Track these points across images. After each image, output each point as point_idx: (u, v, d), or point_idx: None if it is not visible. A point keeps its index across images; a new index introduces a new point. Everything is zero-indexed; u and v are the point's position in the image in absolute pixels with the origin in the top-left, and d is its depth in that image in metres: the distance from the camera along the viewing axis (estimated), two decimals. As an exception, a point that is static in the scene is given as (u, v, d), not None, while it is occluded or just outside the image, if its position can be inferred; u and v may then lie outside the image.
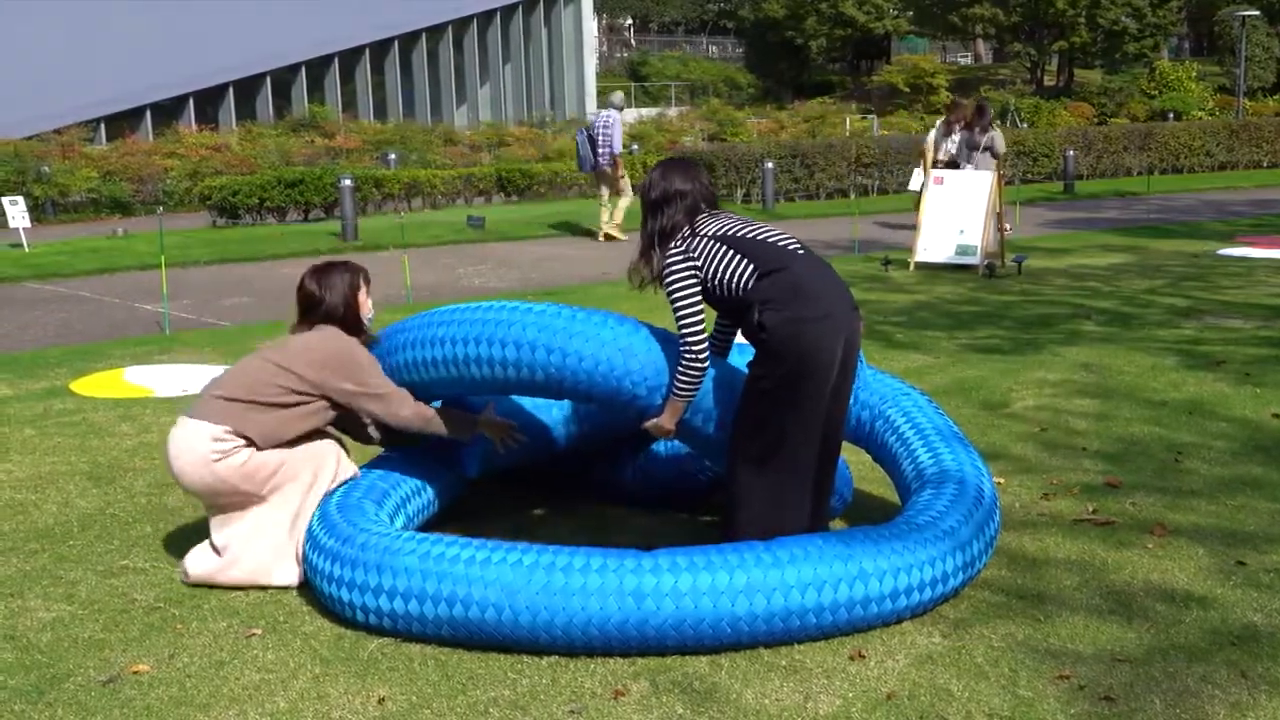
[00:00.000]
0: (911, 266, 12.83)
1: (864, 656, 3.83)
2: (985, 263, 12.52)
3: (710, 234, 4.27)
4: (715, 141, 30.42)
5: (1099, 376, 7.58)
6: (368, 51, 36.09)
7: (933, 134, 14.48)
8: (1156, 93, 38.48)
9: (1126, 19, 42.66)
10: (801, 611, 3.83)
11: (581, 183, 23.55)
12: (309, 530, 4.40)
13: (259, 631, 4.11)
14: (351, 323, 4.63)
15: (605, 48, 54.99)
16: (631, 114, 37.63)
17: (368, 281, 4.74)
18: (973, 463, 4.69)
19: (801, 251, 4.29)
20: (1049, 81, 46.19)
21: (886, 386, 5.07)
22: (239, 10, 33.52)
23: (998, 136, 14.03)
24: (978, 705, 3.51)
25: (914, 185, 15.79)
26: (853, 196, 21.17)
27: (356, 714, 3.54)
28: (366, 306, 4.71)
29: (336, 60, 35.28)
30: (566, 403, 5.00)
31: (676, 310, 4.18)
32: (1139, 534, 4.85)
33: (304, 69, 34.41)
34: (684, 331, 4.14)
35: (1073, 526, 4.96)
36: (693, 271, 4.21)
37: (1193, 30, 50.74)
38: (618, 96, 17.29)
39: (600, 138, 16.23)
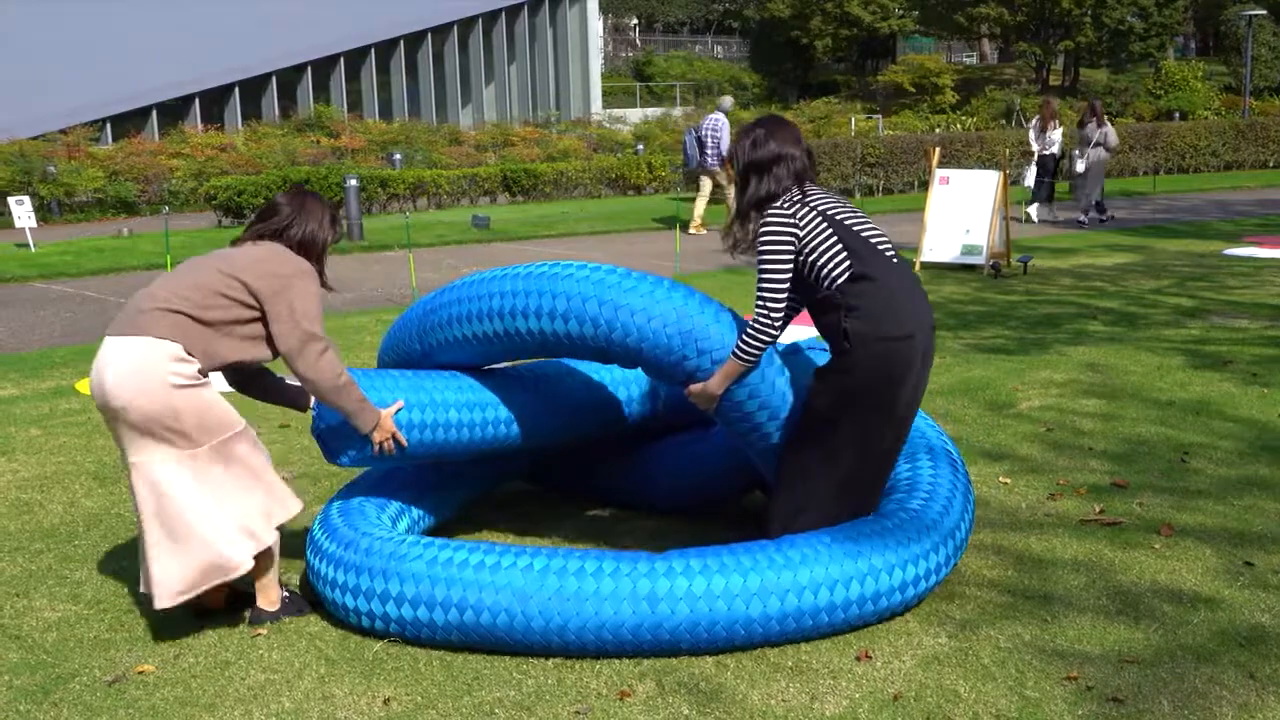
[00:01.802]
0: (917, 266, 12.81)
1: (870, 657, 3.82)
2: (991, 263, 12.50)
3: (820, 210, 4.04)
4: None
5: (1105, 376, 7.56)
6: (373, 51, 36.10)
7: (1031, 132, 16.75)
8: (1162, 92, 38.38)
9: (1132, 18, 42.57)
10: (814, 611, 3.84)
11: (586, 183, 23.56)
12: (310, 535, 4.34)
13: (264, 631, 4.10)
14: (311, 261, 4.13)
15: (610, 48, 54.98)
16: (636, 114, 37.66)
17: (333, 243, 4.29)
18: (939, 436, 4.79)
19: (896, 260, 4.11)
20: (1054, 81, 46.09)
21: None
22: (245, 10, 33.56)
23: (1110, 131, 16.06)
24: (985, 706, 3.50)
25: (1028, 181, 17.22)
26: (858, 196, 21.16)
27: (362, 714, 3.54)
28: (325, 266, 4.23)
29: (342, 60, 35.29)
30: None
31: (763, 273, 3.98)
32: (1146, 534, 4.84)
33: (310, 69, 34.43)
34: (764, 295, 3.97)
35: (1079, 527, 4.95)
36: (793, 241, 4.00)
37: (1199, 30, 50.64)
38: (726, 101, 17.81)
39: (709, 139, 16.74)
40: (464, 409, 4.41)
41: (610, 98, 43.65)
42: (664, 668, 3.77)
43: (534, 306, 4.11)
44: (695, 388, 4.06)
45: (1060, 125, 17.05)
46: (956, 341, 8.85)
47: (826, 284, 3.99)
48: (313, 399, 4.30)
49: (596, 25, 43.26)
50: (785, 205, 4.04)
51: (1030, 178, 17.12)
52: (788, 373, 4.25)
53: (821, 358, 4.48)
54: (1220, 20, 46.12)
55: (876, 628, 4.01)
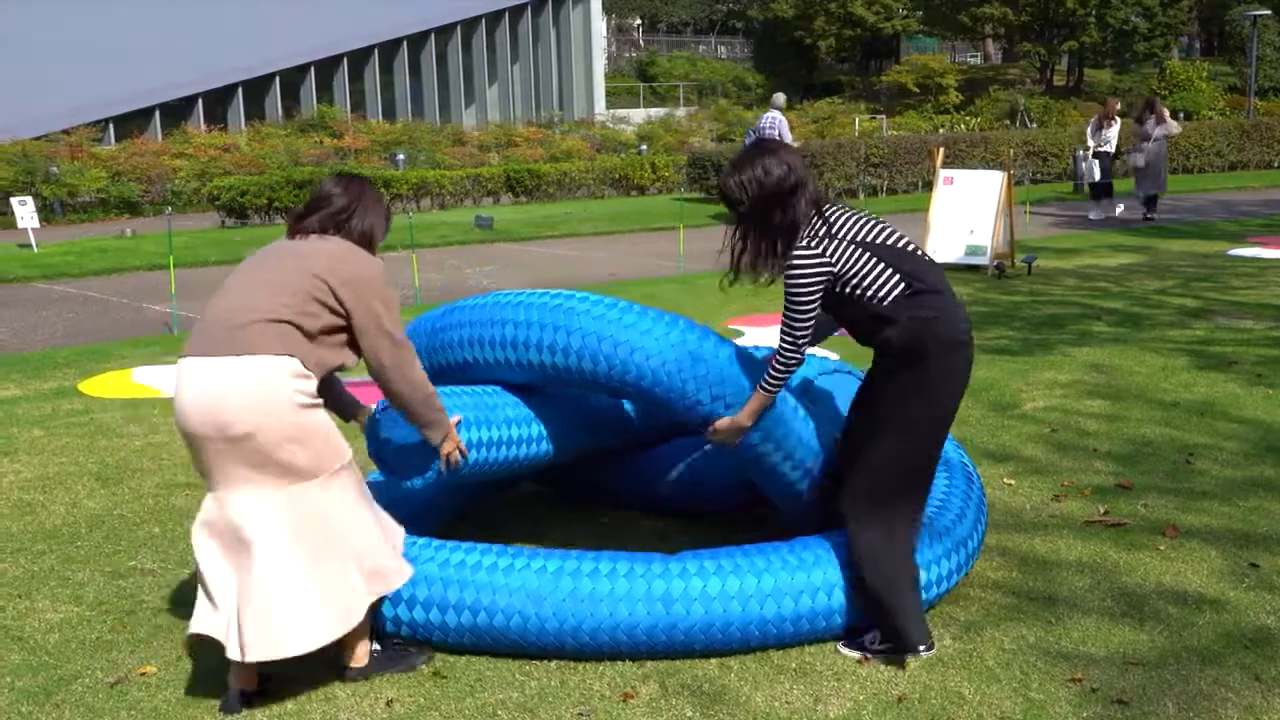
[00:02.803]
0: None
1: (870, 659, 3.81)
2: (995, 263, 12.48)
3: (850, 238, 3.85)
4: (724, 142, 30.37)
5: (1110, 377, 7.55)
6: (376, 52, 36.09)
7: (1090, 129, 17.34)
8: (1167, 92, 38.31)
9: (1137, 18, 42.51)
10: (828, 613, 3.83)
11: (589, 184, 23.54)
12: None
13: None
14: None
15: (614, 48, 54.95)
16: (640, 114, 37.64)
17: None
18: (955, 449, 4.78)
19: (936, 264, 3.98)
20: (1059, 81, 46.04)
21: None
22: (248, 11, 33.56)
23: (1172, 126, 16.86)
24: (989, 708, 3.49)
25: (1095, 176, 17.39)
26: (862, 197, 21.14)
27: (364, 716, 3.53)
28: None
29: (345, 60, 35.28)
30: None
31: (792, 309, 3.83)
32: (1151, 536, 4.82)
33: (313, 69, 34.42)
34: (791, 328, 3.84)
35: (1084, 528, 4.93)
36: (826, 278, 3.82)
37: (1203, 30, 50.55)
38: (780, 98, 18.02)
39: (767, 136, 16.82)
40: (520, 425, 4.29)
41: (614, 98, 43.62)
42: (667, 669, 3.76)
43: (546, 340, 4.03)
44: (722, 423, 3.94)
45: (1117, 123, 17.32)
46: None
47: (881, 304, 3.82)
48: (363, 412, 4.02)
49: (600, 25, 43.24)
50: (812, 243, 3.82)
51: (1090, 173, 17.46)
52: (806, 417, 4.20)
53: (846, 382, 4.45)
54: (1225, 20, 46.07)
55: (880, 629, 4.00)
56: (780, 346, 3.88)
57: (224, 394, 3.41)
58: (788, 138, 16.92)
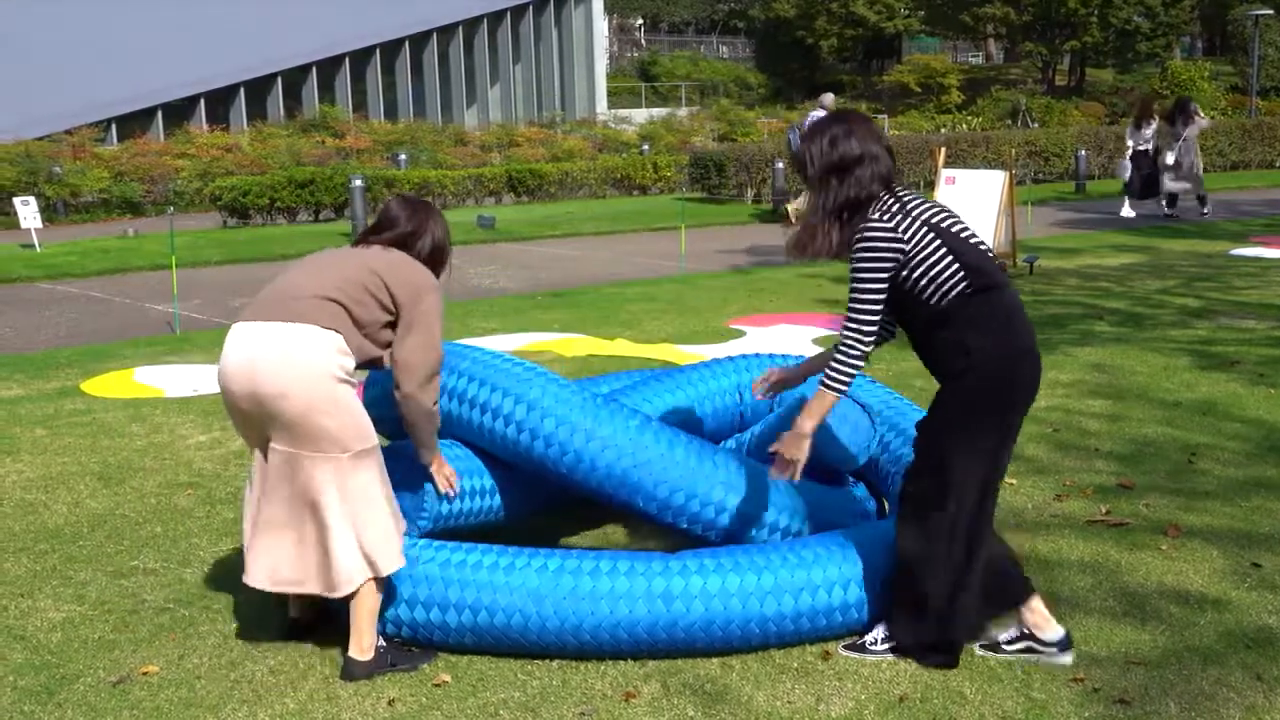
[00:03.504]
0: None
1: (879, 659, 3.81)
2: (997, 263, 12.46)
3: (923, 219, 3.61)
4: (725, 141, 30.38)
5: (1111, 377, 7.54)
6: (378, 52, 36.11)
7: (1128, 129, 17.64)
8: (1169, 92, 38.27)
9: (1139, 18, 42.48)
10: (828, 610, 3.83)
11: (591, 183, 23.54)
12: None
13: (269, 632, 4.09)
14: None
15: (616, 48, 54.97)
16: (642, 114, 37.64)
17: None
18: None
19: (999, 262, 3.76)
20: (1060, 81, 46.01)
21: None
22: (250, 11, 33.58)
23: (1203, 122, 17.44)
24: (991, 708, 3.49)
25: (1124, 175, 17.72)
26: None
27: (367, 715, 3.53)
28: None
29: (347, 60, 35.30)
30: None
31: (859, 290, 3.57)
32: (1153, 535, 4.82)
33: (315, 69, 34.44)
34: (857, 315, 3.58)
35: (1086, 528, 4.93)
36: (897, 258, 3.57)
37: (1205, 30, 50.49)
38: (828, 98, 18.14)
39: None
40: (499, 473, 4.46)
41: (615, 98, 43.63)
42: (669, 669, 3.76)
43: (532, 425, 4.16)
44: (786, 436, 3.72)
45: (1155, 122, 17.48)
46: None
47: (941, 301, 3.58)
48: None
49: (601, 25, 43.25)
50: (885, 217, 3.60)
51: (1127, 172, 17.66)
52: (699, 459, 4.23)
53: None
54: (1227, 20, 46.01)
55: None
56: (843, 336, 3.62)
57: (265, 353, 3.59)
58: None
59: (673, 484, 4.12)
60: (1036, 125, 33.32)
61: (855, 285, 3.59)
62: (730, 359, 5.27)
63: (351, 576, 3.68)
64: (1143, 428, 6.39)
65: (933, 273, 3.58)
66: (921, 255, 3.58)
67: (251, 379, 3.60)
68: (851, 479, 4.78)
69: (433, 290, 3.81)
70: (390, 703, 3.59)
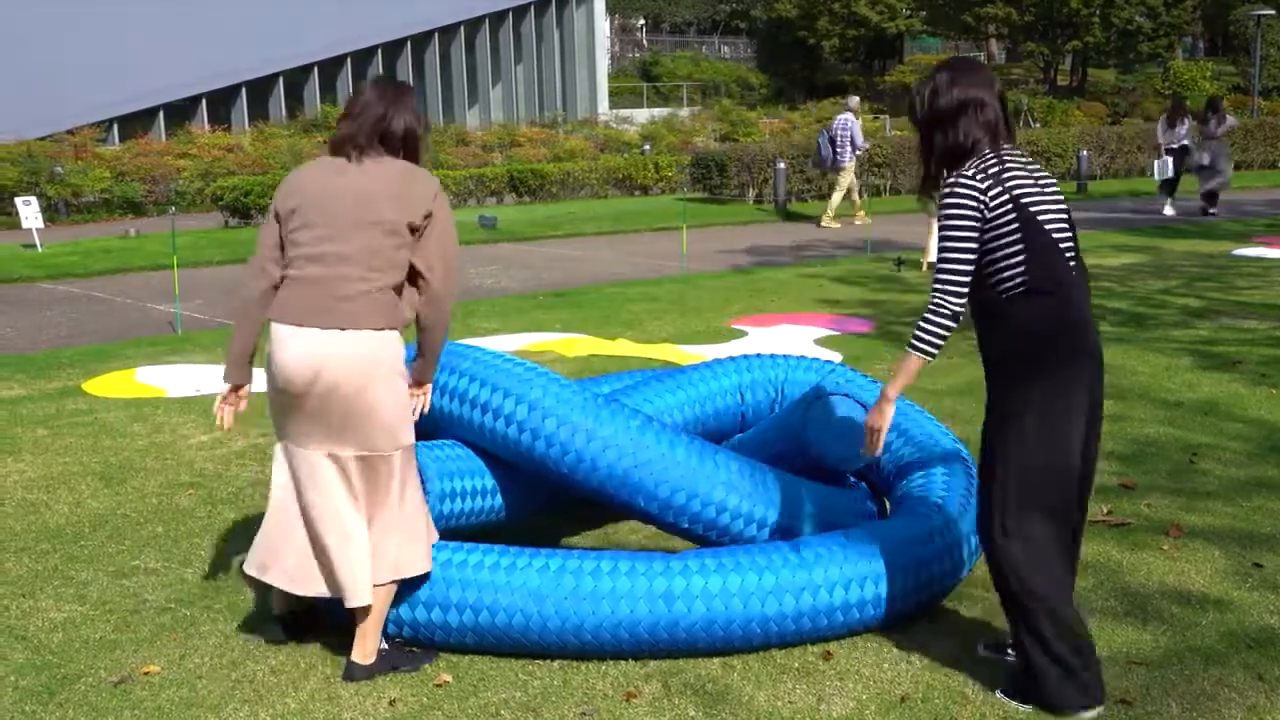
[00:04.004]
0: (925, 267, 12.79)
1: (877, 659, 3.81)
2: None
3: (1015, 192, 3.41)
4: (727, 142, 30.37)
5: (1113, 377, 7.53)
6: (380, 52, 36.12)
7: (1159, 128, 17.84)
8: (1170, 92, 38.32)
9: (1141, 18, 42.46)
10: (829, 610, 3.83)
11: (592, 183, 23.54)
12: None
13: (271, 631, 4.09)
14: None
15: (617, 48, 54.99)
16: (643, 114, 37.63)
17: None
18: (952, 441, 4.76)
19: (1076, 268, 3.50)
20: (1062, 81, 46.00)
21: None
22: (252, 11, 33.58)
23: (1232, 121, 17.88)
24: (992, 708, 3.49)
25: (1158, 175, 17.99)
26: (865, 197, 21.12)
27: (368, 715, 3.53)
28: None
29: (349, 60, 35.32)
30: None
31: (946, 247, 3.42)
32: (1154, 536, 4.82)
33: (316, 69, 34.46)
34: (945, 275, 3.41)
35: (1087, 528, 4.92)
36: (978, 217, 3.39)
37: (1207, 30, 50.47)
38: (854, 100, 18.47)
39: (839, 138, 17.46)
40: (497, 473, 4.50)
41: (617, 98, 43.62)
42: (670, 669, 3.76)
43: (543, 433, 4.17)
44: (874, 411, 3.60)
45: (1187, 121, 17.69)
46: (965, 342, 8.80)
47: (994, 288, 3.43)
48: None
49: (603, 25, 43.23)
50: (977, 175, 3.42)
51: (1160, 171, 17.89)
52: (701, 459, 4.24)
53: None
54: (1229, 20, 46.01)
55: (884, 629, 3.99)
56: (931, 296, 3.45)
57: (326, 359, 3.60)
58: (859, 139, 17.56)
59: (674, 484, 4.11)
60: (1038, 125, 33.31)
61: (943, 242, 3.45)
62: (731, 359, 5.26)
63: (378, 579, 3.71)
64: (1144, 428, 6.39)
65: (996, 258, 3.42)
66: (996, 232, 3.41)
67: (310, 379, 3.61)
68: (852, 479, 4.77)
69: (436, 192, 3.78)
70: (391, 703, 3.59)
